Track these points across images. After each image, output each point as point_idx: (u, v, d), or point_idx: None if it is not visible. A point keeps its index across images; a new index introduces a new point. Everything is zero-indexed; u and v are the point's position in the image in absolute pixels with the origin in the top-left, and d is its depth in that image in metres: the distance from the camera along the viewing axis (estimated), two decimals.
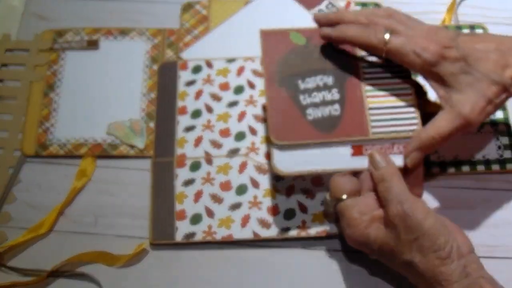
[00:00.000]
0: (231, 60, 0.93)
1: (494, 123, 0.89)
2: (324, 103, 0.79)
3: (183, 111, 0.90)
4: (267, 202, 0.84)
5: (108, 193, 0.86)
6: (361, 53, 0.82)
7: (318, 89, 0.80)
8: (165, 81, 0.93)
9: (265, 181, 0.85)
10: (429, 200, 0.84)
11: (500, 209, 0.84)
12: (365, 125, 0.78)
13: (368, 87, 0.80)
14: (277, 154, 0.76)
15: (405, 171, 0.76)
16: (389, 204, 0.69)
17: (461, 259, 0.66)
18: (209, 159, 0.87)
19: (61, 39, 0.97)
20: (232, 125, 0.89)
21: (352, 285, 0.79)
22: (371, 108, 0.79)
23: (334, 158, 0.77)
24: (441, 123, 0.73)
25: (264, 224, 0.82)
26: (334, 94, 0.79)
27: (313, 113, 0.78)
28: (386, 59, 0.77)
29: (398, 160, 0.76)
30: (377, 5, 0.98)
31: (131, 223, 0.84)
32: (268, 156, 0.86)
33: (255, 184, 0.85)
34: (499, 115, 0.89)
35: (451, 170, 0.86)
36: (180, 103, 0.91)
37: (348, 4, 0.99)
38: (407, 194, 0.70)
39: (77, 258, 0.81)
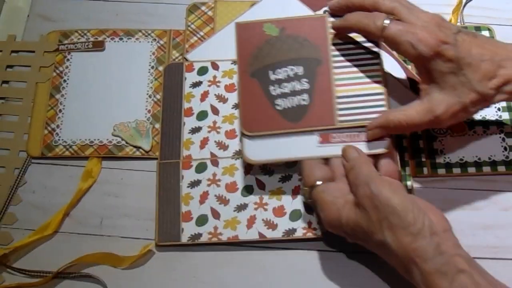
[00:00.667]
0: (236, 62, 0.93)
1: (500, 125, 0.88)
2: (294, 93, 0.81)
3: (189, 112, 0.90)
4: (273, 203, 0.84)
5: (114, 194, 0.86)
6: (334, 41, 0.83)
7: (288, 79, 0.82)
8: (170, 83, 0.93)
9: (270, 182, 0.85)
10: (435, 201, 0.83)
11: (506, 210, 0.84)
12: (331, 114, 0.80)
13: (337, 76, 0.81)
14: (247, 144, 0.79)
15: (376, 157, 0.78)
16: (357, 187, 0.71)
17: (434, 236, 0.66)
18: (215, 161, 0.87)
19: (67, 40, 0.97)
20: (238, 126, 0.89)
21: (359, 287, 0.79)
22: (339, 97, 0.80)
23: (302, 147, 0.79)
24: (412, 113, 0.75)
25: (270, 225, 0.82)
26: (304, 84, 0.81)
27: (282, 104, 0.81)
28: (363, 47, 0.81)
29: (366, 148, 0.78)
30: None
31: (137, 225, 0.84)
32: None
33: (261, 185, 0.85)
34: (505, 116, 0.89)
35: (457, 171, 0.86)
36: (186, 105, 0.91)
37: None
38: (374, 176, 0.71)
39: (82, 259, 0.81)
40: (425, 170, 0.86)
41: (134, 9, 1.01)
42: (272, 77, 0.82)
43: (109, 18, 1.00)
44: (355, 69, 0.82)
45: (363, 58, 0.82)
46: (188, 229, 0.82)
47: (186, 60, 0.95)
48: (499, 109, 0.90)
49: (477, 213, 0.84)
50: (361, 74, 0.81)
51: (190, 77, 0.93)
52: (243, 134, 0.79)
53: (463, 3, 0.99)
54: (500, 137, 0.88)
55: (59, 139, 0.89)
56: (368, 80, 0.81)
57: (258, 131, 0.79)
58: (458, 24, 0.97)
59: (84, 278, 0.81)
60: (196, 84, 0.92)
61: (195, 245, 0.82)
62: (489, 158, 0.86)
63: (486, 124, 0.88)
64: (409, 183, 0.85)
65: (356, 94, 0.80)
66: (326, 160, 0.79)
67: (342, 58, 0.82)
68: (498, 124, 0.89)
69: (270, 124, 0.80)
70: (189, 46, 0.96)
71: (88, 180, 0.87)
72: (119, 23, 0.99)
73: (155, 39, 0.97)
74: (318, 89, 0.81)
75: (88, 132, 0.90)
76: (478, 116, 0.89)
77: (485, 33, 0.95)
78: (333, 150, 0.78)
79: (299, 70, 0.82)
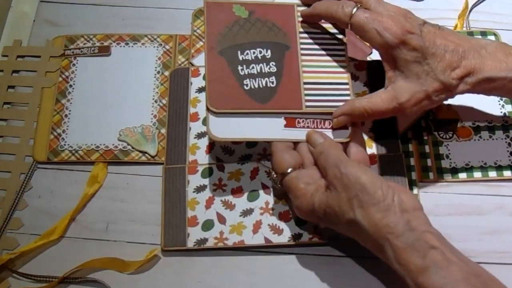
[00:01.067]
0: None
1: (506, 129, 0.88)
2: (261, 75, 0.81)
3: (195, 117, 0.90)
4: (279, 208, 0.84)
5: (120, 199, 0.86)
6: (302, 29, 0.85)
7: (256, 61, 0.82)
8: (176, 88, 0.93)
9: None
10: (441, 206, 0.84)
11: (511, 215, 0.84)
12: (299, 98, 0.81)
13: (305, 63, 0.83)
14: (212, 121, 0.78)
15: (346, 144, 0.79)
16: (327, 170, 0.72)
17: (404, 213, 0.67)
18: (220, 166, 0.87)
19: (73, 45, 0.97)
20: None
21: None
22: (306, 83, 0.81)
23: (267, 128, 0.79)
24: (377, 100, 0.77)
25: (275, 230, 0.82)
26: (272, 67, 0.82)
27: (250, 84, 0.81)
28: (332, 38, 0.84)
29: (330, 135, 0.79)
30: None
31: (143, 230, 0.84)
32: None
33: (267, 190, 0.85)
34: (511, 121, 0.89)
35: (463, 176, 0.86)
36: (192, 110, 0.91)
37: None
38: (343, 157, 0.73)
39: (88, 264, 0.81)
40: (431, 175, 0.86)
41: (140, 14, 1.01)
42: (241, 57, 0.82)
43: (115, 23, 1.00)
44: (321, 57, 0.84)
45: (330, 48, 0.84)
46: (194, 234, 0.82)
47: (192, 65, 0.95)
48: (505, 114, 0.89)
49: (483, 218, 0.84)
50: (327, 63, 0.83)
51: (196, 82, 0.93)
52: (208, 110, 0.78)
53: (469, 8, 1.00)
54: (506, 142, 0.88)
55: (65, 144, 0.89)
56: (334, 69, 0.83)
57: (225, 108, 0.79)
58: (464, 29, 0.97)
59: (90, 283, 0.81)
60: (202, 89, 0.92)
61: (201, 250, 0.82)
62: (495, 163, 0.86)
63: (492, 129, 0.88)
64: (415, 189, 0.85)
65: (323, 82, 0.82)
66: (296, 145, 0.80)
67: (309, 46, 0.84)
68: (504, 129, 0.89)
69: (237, 102, 0.79)
70: (195, 51, 0.96)
71: (94, 185, 0.87)
72: (125, 28, 0.99)
73: (161, 44, 0.97)
74: (286, 74, 0.82)
75: (94, 137, 0.90)
76: (484, 122, 0.89)
77: (491, 37, 0.95)
78: (298, 134, 0.80)
79: (267, 53, 0.82)
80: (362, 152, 0.79)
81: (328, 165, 0.72)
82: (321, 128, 0.80)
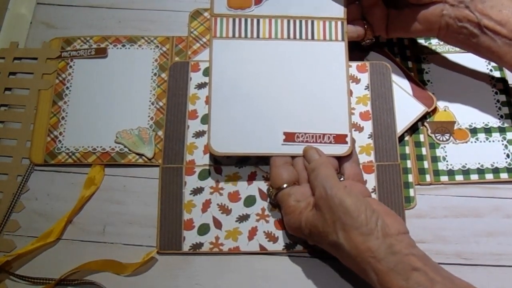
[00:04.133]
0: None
1: (503, 131, 0.88)
2: None
3: (194, 115, 0.89)
4: (275, 215, 0.84)
5: (117, 201, 0.87)
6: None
7: None
8: (175, 82, 0.92)
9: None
10: (437, 208, 0.84)
11: (508, 217, 0.84)
12: None
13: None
14: (214, 135, 0.81)
15: (341, 160, 0.81)
16: (315, 188, 0.74)
17: (387, 237, 0.67)
18: (218, 168, 0.86)
19: (69, 47, 0.97)
20: None
21: None
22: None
23: (267, 143, 0.81)
24: None
25: (271, 237, 0.82)
26: None
27: None
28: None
29: (327, 150, 0.80)
30: None
31: (139, 232, 0.84)
32: None
33: (264, 196, 0.85)
34: (508, 123, 0.89)
35: (460, 178, 0.86)
36: (190, 107, 0.90)
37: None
38: (331, 178, 0.73)
39: (85, 266, 0.81)
40: (428, 177, 0.86)
41: (136, 16, 1.01)
42: None
43: (111, 25, 1.00)
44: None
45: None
46: (190, 238, 0.82)
47: None
48: (501, 116, 0.89)
49: (479, 220, 0.84)
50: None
51: (196, 78, 0.92)
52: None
53: None
54: (502, 144, 0.88)
55: (62, 146, 0.89)
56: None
57: None
58: None
59: (86, 285, 0.81)
60: (201, 85, 0.92)
61: (197, 254, 0.82)
62: (492, 165, 0.87)
63: (488, 131, 0.88)
64: (411, 190, 0.85)
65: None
66: (293, 159, 0.81)
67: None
68: (501, 131, 0.89)
69: None
70: (192, 52, 0.96)
71: (91, 187, 0.87)
72: (121, 30, 0.99)
73: (157, 46, 0.97)
74: None
75: (91, 139, 0.90)
76: (480, 123, 0.89)
77: None
78: (297, 149, 0.81)
79: None
80: (356, 168, 0.81)
81: (317, 184, 0.74)
82: (320, 142, 0.81)
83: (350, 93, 0.85)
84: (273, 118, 0.83)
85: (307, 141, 0.81)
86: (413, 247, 0.68)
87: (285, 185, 0.77)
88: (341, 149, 0.81)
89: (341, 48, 0.86)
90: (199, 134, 0.89)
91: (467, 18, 0.81)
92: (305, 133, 0.81)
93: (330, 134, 0.81)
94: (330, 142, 0.81)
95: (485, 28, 0.80)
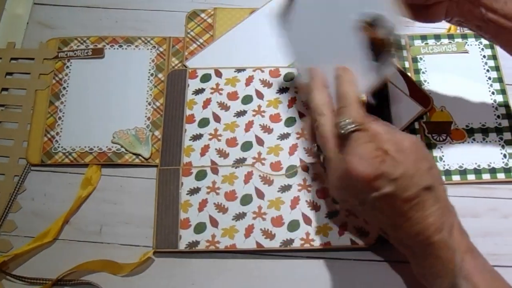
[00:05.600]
0: (240, 70, 0.93)
1: (500, 132, 0.88)
2: None
3: (191, 119, 0.90)
4: (272, 213, 0.84)
5: (113, 201, 0.86)
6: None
7: None
8: (173, 89, 0.93)
9: (270, 192, 0.85)
10: None
11: (505, 218, 0.84)
12: None
13: None
14: None
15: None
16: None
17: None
18: (215, 169, 0.87)
19: (66, 47, 0.97)
20: (239, 134, 0.89)
21: None
22: None
23: None
24: None
25: (267, 235, 0.82)
26: None
27: None
28: None
29: None
30: None
31: (136, 232, 0.84)
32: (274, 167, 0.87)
33: (260, 194, 0.85)
34: (504, 124, 0.89)
35: (456, 178, 0.86)
36: (188, 112, 0.91)
37: None
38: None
39: (82, 266, 0.81)
40: None
41: (133, 16, 1.01)
42: None
43: (108, 26, 1.00)
44: None
45: None
46: (186, 237, 0.82)
47: (186, 67, 0.95)
48: (498, 117, 0.90)
49: (476, 220, 0.84)
50: None
51: (193, 84, 0.93)
52: None
53: None
54: (499, 144, 0.88)
55: (58, 147, 0.89)
56: None
57: None
58: (458, 31, 0.97)
59: (83, 286, 0.81)
60: (199, 91, 0.93)
61: (193, 252, 0.82)
62: (489, 165, 0.87)
63: (485, 131, 0.89)
64: None
65: None
66: None
67: None
68: (498, 131, 0.89)
69: None
70: (189, 53, 0.96)
71: (87, 187, 0.87)
72: (118, 31, 1.00)
73: (154, 46, 0.97)
74: None
75: (87, 140, 0.90)
76: (477, 124, 0.89)
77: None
78: None
79: None
80: None
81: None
82: None
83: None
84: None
85: None
86: None
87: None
88: None
89: None
90: (196, 137, 0.89)
91: (471, 13, 0.76)
92: None
93: None
94: None
95: (489, 21, 0.75)
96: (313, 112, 0.72)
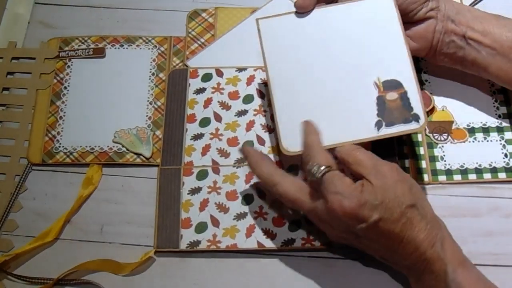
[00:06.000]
0: (241, 69, 0.93)
1: (501, 131, 0.88)
2: None
3: (192, 119, 0.90)
4: (273, 212, 0.84)
5: (114, 201, 0.86)
6: None
7: None
8: (174, 89, 0.93)
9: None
10: (435, 208, 0.83)
11: (506, 217, 0.84)
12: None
13: None
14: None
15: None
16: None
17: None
18: (216, 168, 0.87)
19: (67, 47, 0.97)
20: (240, 134, 0.89)
21: None
22: None
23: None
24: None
25: (269, 234, 0.82)
26: None
27: None
28: None
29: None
30: None
31: (137, 232, 0.84)
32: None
33: (261, 194, 0.85)
34: (506, 123, 0.89)
35: (458, 178, 0.86)
36: (189, 111, 0.91)
37: None
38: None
39: (83, 266, 0.81)
40: (426, 177, 0.86)
41: (134, 16, 1.01)
42: None
43: (109, 25, 1.00)
44: None
45: None
46: (187, 236, 0.82)
47: (187, 66, 0.95)
48: (499, 116, 0.89)
49: (477, 220, 0.84)
50: None
51: (194, 84, 0.93)
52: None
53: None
54: (500, 143, 0.88)
55: (59, 146, 0.89)
56: None
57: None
58: None
59: (84, 285, 0.81)
60: (200, 91, 0.92)
61: (195, 252, 0.82)
62: (490, 165, 0.86)
63: (486, 131, 0.88)
64: None
65: None
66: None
67: None
68: (499, 131, 0.89)
69: None
70: (190, 52, 0.96)
71: (88, 187, 0.87)
72: (119, 30, 0.99)
73: (155, 46, 0.97)
74: None
75: (88, 139, 0.90)
76: (478, 123, 0.89)
77: None
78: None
79: None
80: None
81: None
82: None
83: None
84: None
85: None
86: None
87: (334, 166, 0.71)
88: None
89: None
90: (197, 137, 0.89)
91: (454, 32, 0.83)
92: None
93: None
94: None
95: (469, 39, 0.83)
96: (267, 187, 0.76)
